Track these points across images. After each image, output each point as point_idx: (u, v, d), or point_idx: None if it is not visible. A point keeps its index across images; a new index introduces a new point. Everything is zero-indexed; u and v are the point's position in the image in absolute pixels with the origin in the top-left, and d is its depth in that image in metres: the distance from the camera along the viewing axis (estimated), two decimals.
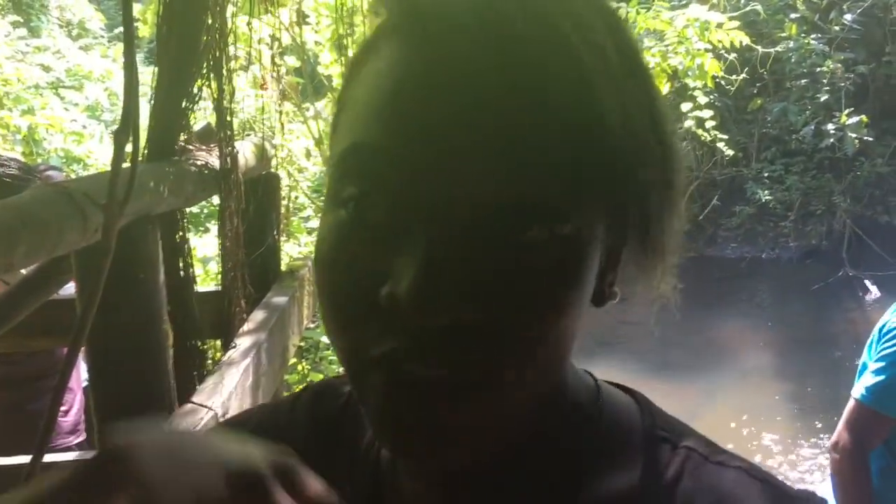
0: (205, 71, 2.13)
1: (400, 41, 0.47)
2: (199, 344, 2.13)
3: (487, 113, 0.43)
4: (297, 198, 5.67)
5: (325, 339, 5.37)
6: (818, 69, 10.25)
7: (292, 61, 4.80)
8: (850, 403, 2.13)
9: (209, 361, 2.20)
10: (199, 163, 2.12)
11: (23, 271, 2.13)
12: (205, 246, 4.82)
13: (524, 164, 0.43)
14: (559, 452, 0.55)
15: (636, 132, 0.46)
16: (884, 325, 2.13)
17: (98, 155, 6.28)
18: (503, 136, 0.43)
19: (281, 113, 2.47)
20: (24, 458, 2.35)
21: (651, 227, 0.49)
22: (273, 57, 2.82)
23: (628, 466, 0.55)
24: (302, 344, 4.48)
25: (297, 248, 5.13)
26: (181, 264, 2.11)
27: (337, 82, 5.72)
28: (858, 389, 2.11)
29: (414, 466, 0.56)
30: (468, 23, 0.44)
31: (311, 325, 4.01)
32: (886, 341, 2.11)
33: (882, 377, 2.06)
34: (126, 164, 1.29)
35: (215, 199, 4.60)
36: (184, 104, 2.12)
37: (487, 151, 0.43)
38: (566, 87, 0.43)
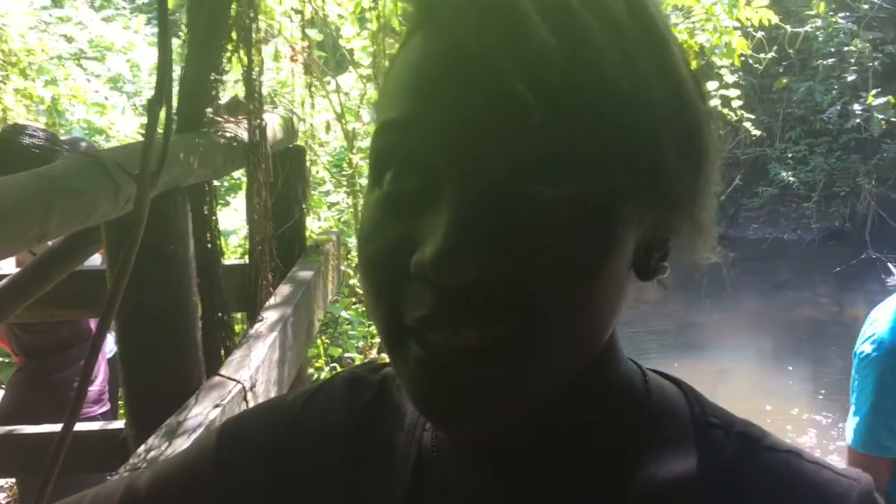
0: (233, 42, 2.11)
1: (421, 30, 0.50)
2: (226, 317, 2.13)
3: (500, 82, 0.44)
4: (317, 172, 5.66)
5: (344, 314, 5.37)
6: (846, 48, 10.12)
7: (313, 34, 4.77)
8: (847, 448, 2.01)
9: (235, 334, 2.19)
10: (227, 135, 2.10)
11: (48, 243, 2.13)
12: (224, 219, 4.82)
13: (540, 127, 0.44)
14: (608, 437, 0.56)
15: (650, 96, 0.47)
16: (856, 350, 2.00)
17: (120, 126, 6.28)
18: (517, 102, 0.44)
19: (310, 86, 2.46)
20: (52, 428, 2.37)
21: (680, 196, 0.50)
22: (302, 28, 2.82)
23: (683, 452, 0.55)
24: (322, 318, 4.50)
25: (317, 223, 5.12)
26: (209, 237, 2.10)
27: (359, 56, 5.68)
28: (848, 432, 2.00)
29: (451, 433, 0.56)
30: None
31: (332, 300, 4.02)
32: (856, 371, 2.00)
33: (858, 418, 1.96)
34: (159, 135, 1.27)
35: (237, 174, 4.60)
36: (212, 76, 2.10)
37: (504, 117, 0.45)
38: (571, 51, 0.45)
